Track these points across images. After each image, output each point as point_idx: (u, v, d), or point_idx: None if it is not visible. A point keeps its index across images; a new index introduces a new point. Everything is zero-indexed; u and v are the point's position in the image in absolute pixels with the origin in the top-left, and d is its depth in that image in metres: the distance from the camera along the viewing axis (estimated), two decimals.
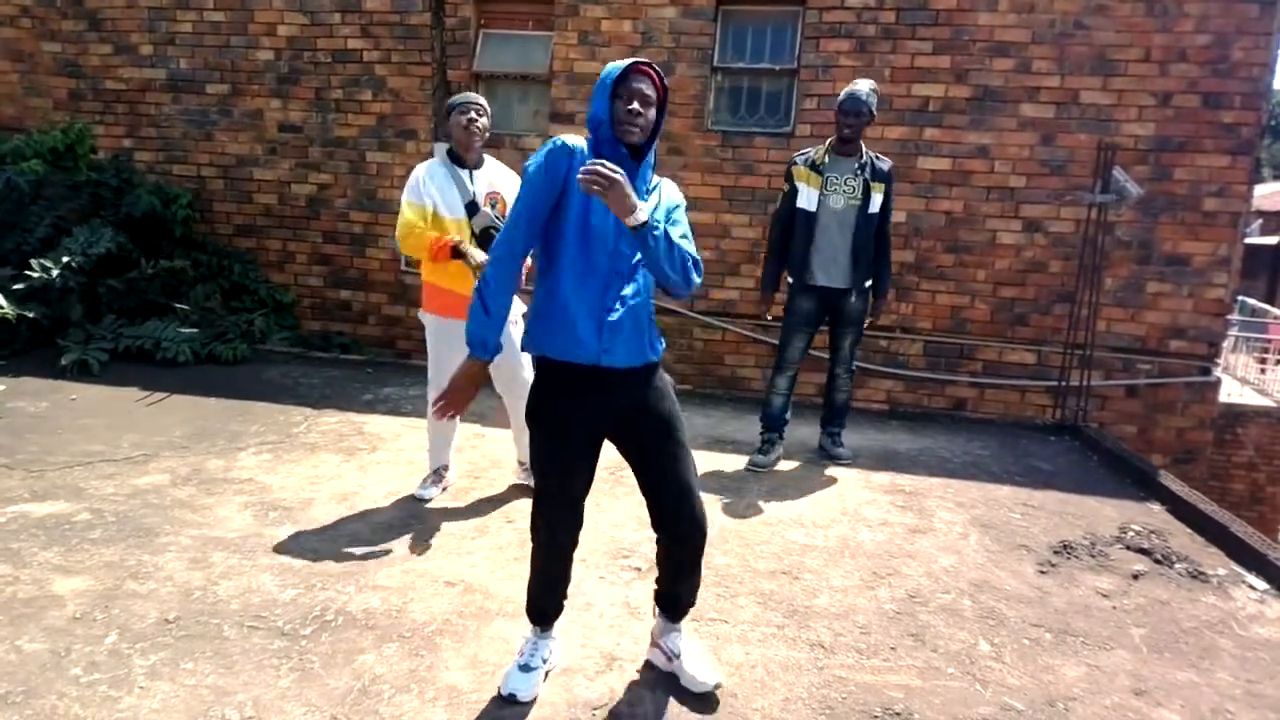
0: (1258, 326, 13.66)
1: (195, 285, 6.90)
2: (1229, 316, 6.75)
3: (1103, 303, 6.15)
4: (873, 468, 4.85)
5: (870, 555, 3.67)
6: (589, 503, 2.51)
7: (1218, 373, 6.46)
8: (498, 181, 3.81)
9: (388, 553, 3.40)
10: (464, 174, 3.76)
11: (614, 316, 2.32)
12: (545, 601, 2.56)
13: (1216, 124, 6.06)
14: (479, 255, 3.58)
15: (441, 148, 6.88)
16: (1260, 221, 22.22)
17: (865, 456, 5.02)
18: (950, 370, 6.63)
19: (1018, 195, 6.36)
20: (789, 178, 4.68)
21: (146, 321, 6.37)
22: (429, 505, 3.93)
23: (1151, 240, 6.25)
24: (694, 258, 2.32)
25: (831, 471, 4.75)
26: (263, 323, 6.88)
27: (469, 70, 6.99)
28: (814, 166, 4.59)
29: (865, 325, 4.90)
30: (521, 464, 4.16)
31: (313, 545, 3.43)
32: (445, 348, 3.82)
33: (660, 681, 2.61)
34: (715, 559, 3.50)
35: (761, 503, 4.20)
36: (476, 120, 3.72)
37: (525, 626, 2.87)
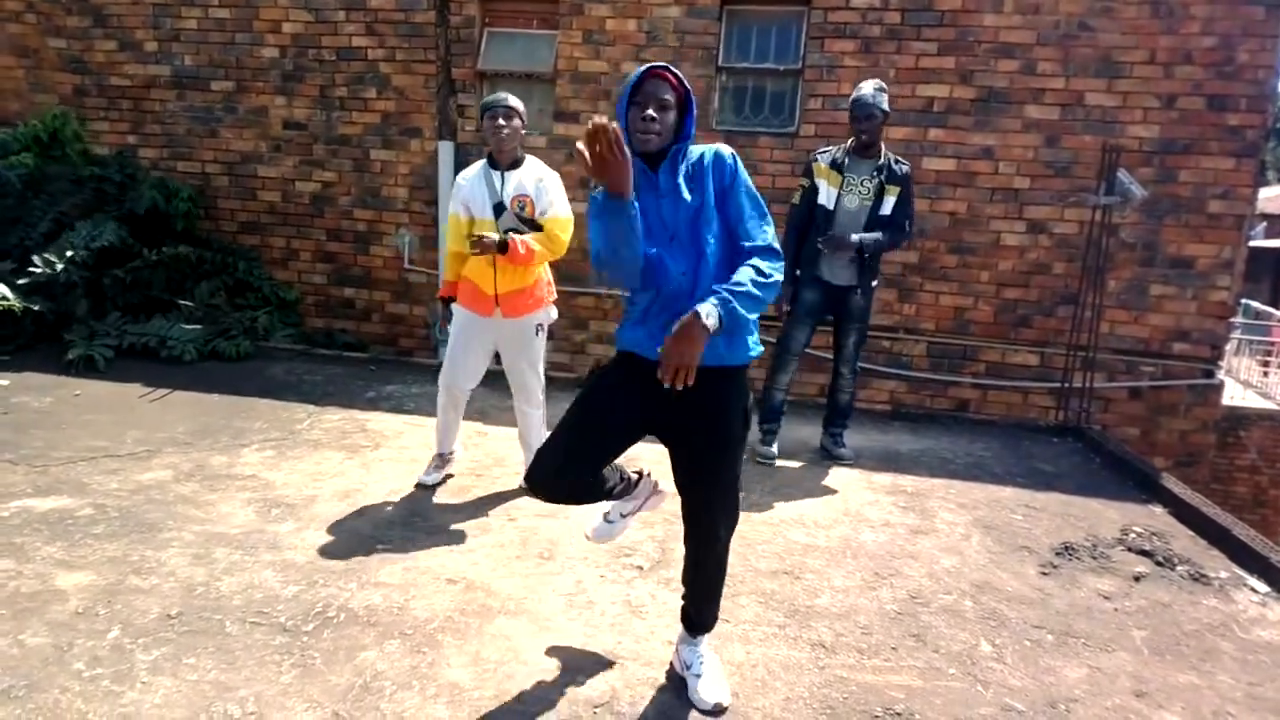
0: (1261, 329, 13.65)
1: (199, 282, 6.91)
2: (1232, 319, 6.74)
3: (1106, 305, 6.15)
4: (875, 468, 4.85)
5: (872, 556, 3.67)
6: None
7: (1221, 375, 6.45)
8: (528, 184, 3.77)
9: (390, 550, 3.41)
10: (496, 176, 3.78)
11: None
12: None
13: (1221, 126, 6.04)
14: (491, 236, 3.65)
15: (447, 146, 6.96)
16: (1264, 224, 22.20)
17: (868, 457, 5.02)
18: (953, 371, 6.62)
19: (1022, 197, 6.35)
20: (809, 174, 4.69)
21: (151, 318, 6.38)
22: (430, 503, 3.94)
23: (1155, 242, 6.24)
24: (771, 250, 2.27)
25: (834, 472, 4.75)
26: (266, 320, 6.88)
27: (473, 68, 6.99)
28: (835, 165, 4.61)
29: (868, 324, 4.91)
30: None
31: (315, 542, 3.43)
32: (463, 340, 3.91)
33: (661, 680, 2.62)
34: None
35: (763, 502, 4.21)
36: (504, 125, 3.69)
37: (527, 624, 2.89)
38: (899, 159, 4.70)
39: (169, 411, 5.04)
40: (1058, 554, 3.81)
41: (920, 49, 6.31)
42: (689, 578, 2.55)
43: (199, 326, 6.36)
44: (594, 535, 2.93)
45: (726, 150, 2.34)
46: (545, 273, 3.97)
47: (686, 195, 2.29)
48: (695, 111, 2.34)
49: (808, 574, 3.44)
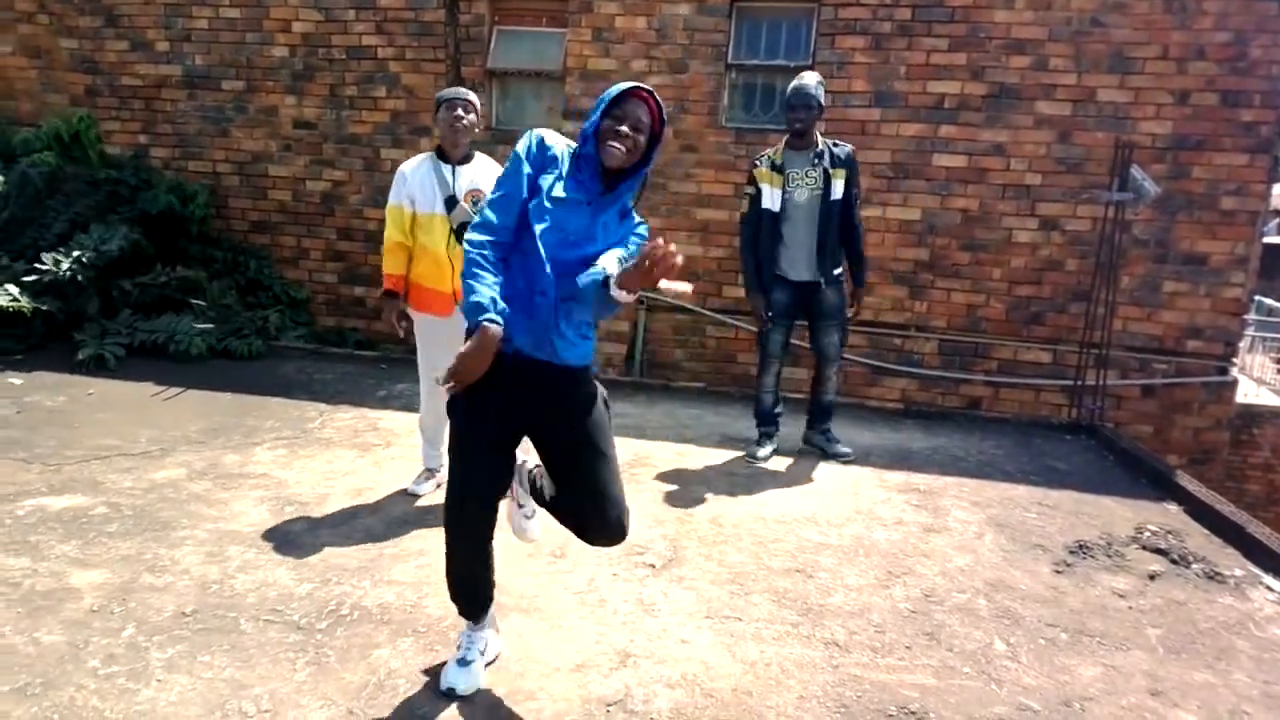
0: (1275, 326, 13.53)
1: (211, 281, 6.93)
2: (1246, 316, 6.70)
3: (1119, 302, 6.11)
4: (887, 466, 4.83)
5: (885, 554, 3.66)
6: None
7: (1234, 373, 6.41)
8: (480, 179, 3.74)
9: (402, 548, 3.41)
10: (447, 169, 3.73)
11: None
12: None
13: (1235, 122, 6.01)
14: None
15: None
16: (1278, 221, 22.03)
17: (879, 455, 5.01)
18: (965, 369, 6.60)
19: (1034, 193, 6.32)
20: (751, 181, 4.71)
21: (161, 317, 6.40)
22: (442, 501, 3.93)
23: (1169, 239, 6.21)
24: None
25: (845, 470, 4.74)
26: (277, 319, 6.90)
27: (483, 67, 7.00)
28: (774, 166, 4.62)
29: (847, 318, 4.87)
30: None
31: (328, 540, 3.44)
32: (429, 343, 3.87)
33: (674, 678, 2.62)
34: (729, 556, 3.50)
35: (775, 501, 4.20)
36: (463, 117, 3.67)
37: (539, 622, 2.88)
38: (837, 142, 4.70)
39: (181, 410, 5.06)
40: (1071, 552, 3.79)
41: (931, 45, 6.29)
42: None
43: (211, 326, 6.38)
44: (524, 533, 2.79)
45: (642, 225, 2.40)
46: None
47: (602, 228, 2.31)
48: (660, 146, 2.34)
49: (821, 572, 3.44)
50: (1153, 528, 4.11)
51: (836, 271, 4.73)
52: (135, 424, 4.74)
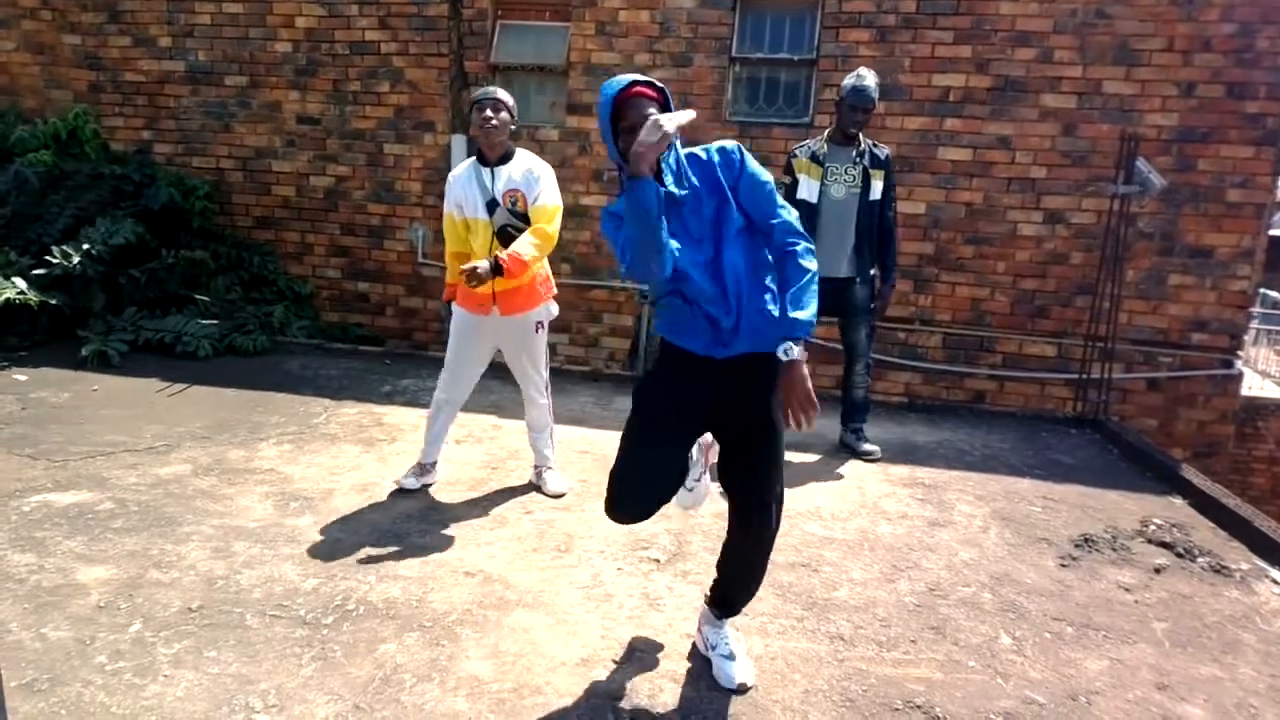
0: None
1: (215, 277, 6.94)
2: (1251, 309, 6.67)
3: (1124, 295, 6.08)
4: (891, 460, 4.83)
5: (890, 548, 3.66)
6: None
7: (1240, 366, 6.39)
8: (518, 177, 3.67)
9: (407, 543, 3.42)
10: (486, 173, 3.67)
11: None
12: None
13: (1241, 114, 5.98)
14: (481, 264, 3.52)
15: (460, 139, 6.95)
16: None
17: (884, 449, 4.99)
18: (970, 363, 6.59)
19: (1039, 186, 6.30)
20: (789, 170, 4.69)
21: (167, 314, 6.41)
22: (447, 496, 3.94)
23: (1174, 232, 6.18)
24: (795, 231, 2.45)
25: (850, 464, 4.73)
26: (282, 314, 6.91)
27: (486, 62, 6.99)
28: (815, 158, 4.61)
29: (874, 317, 4.88)
30: (537, 467, 4.16)
31: (333, 535, 3.45)
32: (461, 344, 3.86)
33: (679, 673, 2.62)
34: None
35: None
36: (491, 118, 3.60)
37: (545, 617, 2.89)
38: (877, 144, 4.70)
39: (186, 406, 5.07)
40: (1077, 546, 3.79)
41: (936, 37, 6.26)
42: (731, 562, 2.54)
43: (215, 322, 6.39)
44: (683, 503, 2.81)
45: (730, 144, 2.40)
46: (544, 268, 3.85)
47: (690, 190, 2.33)
48: (673, 106, 2.29)
49: (825, 566, 3.44)
50: (1158, 521, 4.10)
51: (871, 271, 4.76)
52: (140, 420, 4.75)
